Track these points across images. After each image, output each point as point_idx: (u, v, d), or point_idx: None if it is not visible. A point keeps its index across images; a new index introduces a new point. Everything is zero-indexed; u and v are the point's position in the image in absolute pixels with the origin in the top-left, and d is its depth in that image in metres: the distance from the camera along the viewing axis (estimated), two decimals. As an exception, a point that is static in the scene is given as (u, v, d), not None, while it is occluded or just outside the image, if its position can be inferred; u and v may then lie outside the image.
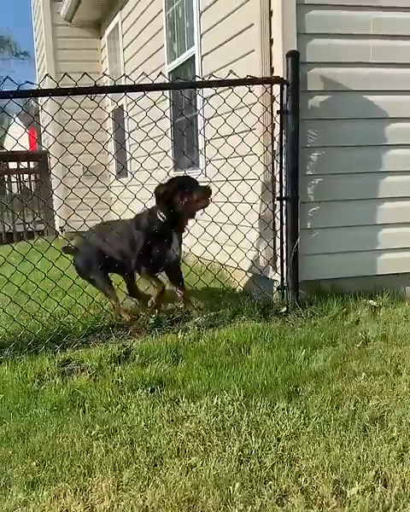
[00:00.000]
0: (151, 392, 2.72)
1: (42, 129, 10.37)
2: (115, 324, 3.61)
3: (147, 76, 3.52)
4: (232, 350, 3.17)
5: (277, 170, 3.85)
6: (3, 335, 3.52)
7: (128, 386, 2.78)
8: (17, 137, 3.52)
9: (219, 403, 2.54)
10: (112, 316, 3.72)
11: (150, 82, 3.56)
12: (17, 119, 10.13)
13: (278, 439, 2.22)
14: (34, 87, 3.47)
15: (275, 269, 3.96)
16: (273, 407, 2.49)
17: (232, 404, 2.52)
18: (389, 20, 3.87)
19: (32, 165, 9.75)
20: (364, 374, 2.79)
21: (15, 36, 48.43)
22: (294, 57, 3.64)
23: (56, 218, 7.55)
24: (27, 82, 3.21)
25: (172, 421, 2.42)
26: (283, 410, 2.45)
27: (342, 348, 3.15)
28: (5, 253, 3.65)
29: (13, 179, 9.77)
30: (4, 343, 3.42)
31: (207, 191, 3.64)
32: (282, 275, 3.88)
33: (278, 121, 3.77)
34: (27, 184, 9.94)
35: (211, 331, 3.46)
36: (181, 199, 3.61)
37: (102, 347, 3.29)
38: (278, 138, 3.80)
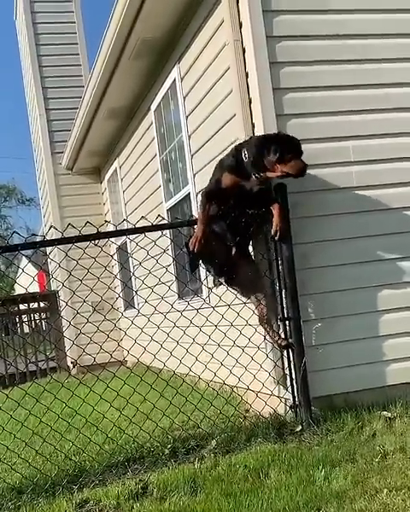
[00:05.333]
0: (172, 527, 2.67)
1: (50, 272, 10.80)
2: (131, 458, 3.59)
3: (145, 218, 3.80)
4: (251, 475, 3.13)
5: (277, 292, 4.01)
6: (20, 480, 3.49)
7: (148, 523, 2.73)
8: (26, 284, 3.74)
9: (242, 533, 2.50)
10: (127, 450, 3.69)
11: (149, 223, 3.84)
12: (28, 264, 10.60)
13: None
14: (39, 237, 3.75)
15: (286, 388, 3.99)
16: (297, 533, 2.44)
17: (255, 533, 2.47)
18: (366, 146, 4.20)
19: (42, 304, 10.02)
20: (386, 490, 2.74)
21: (20, 182, 51.15)
22: (282, 189, 3.90)
23: (68, 353, 7.67)
24: (33, 235, 3.50)
25: None
26: (307, 535, 2.40)
27: (362, 464, 3.11)
28: (18, 395, 3.72)
29: (24, 318, 10.01)
30: (22, 488, 3.38)
31: None
32: (293, 393, 3.90)
33: (273, 247, 3.98)
34: (38, 322, 10.17)
35: (228, 457, 3.43)
36: None
37: (118, 484, 3.25)
38: (274, 263, 3.99)
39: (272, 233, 3.81)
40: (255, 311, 3.96)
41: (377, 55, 4.26)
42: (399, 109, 4.27)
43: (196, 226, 3.91)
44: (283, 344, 3.88)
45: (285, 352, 3.96)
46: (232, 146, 4.01)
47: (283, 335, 3.93)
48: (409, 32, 4.32)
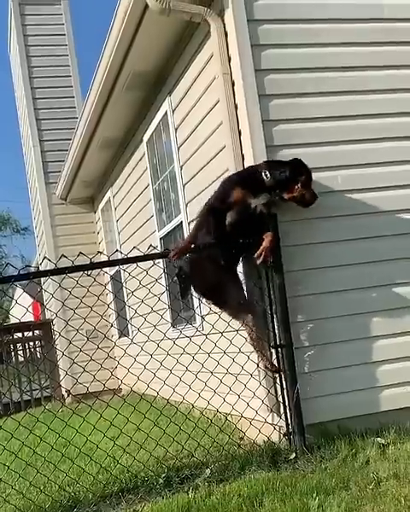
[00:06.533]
0: None
1: (45, 301, 10.81)
2: (125, 488, 3.57)
3: (137, 248, 3.86)
4: (245, 504, 3.12)
5: (268, 319, 4.05)
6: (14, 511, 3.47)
7: None
8: (21, 313, 3.77)
9: None
10: (121, 480, 3.68)
11: (141, 253, 3.90)
12: (21, 295, 10.66)
13: None
14: (33, 267, 3.80)
15: (279, 415, 3.99)
16: None
17: None
18: (354, 175, 4.28)
19: (37, 332, 10.02)
20: (379, 517, 2.76)
21: (15, 211, 51.18)
22: (273, 217, 3.97)
23: (63, 381, 7.66)
24: (27, 265, 3.54)
25: None
26: None
27: (356, 491, 3.11)
28: (12, 425, 3.72)
29: (19, 347, 9.99)
30: (15, 519, 3.37)
31: None
32: (287, 420, 3.91)
33: (265, 275, 4.03)
34: (32, 350, 10.15)
35: (222, 486, 3.42)
36: None
37: (112, 515, 3.24)
38: (266, 290, 4.04)
39: (256, 255, 3.85)
40: (247, 338, 3.99)
41: (365, 86, 4.36)
42: (387, 139, 4.36)
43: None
44: (273, 369, 3.91)
45: (278, 379, 3.98)
46: (230, 171, 4.11)
47: (275, 361, 3.96)
48: (397, 64, 4.44)
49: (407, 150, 4.39)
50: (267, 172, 3.87)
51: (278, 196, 3.91)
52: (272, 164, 3.97)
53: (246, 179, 3.96)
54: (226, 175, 4.22)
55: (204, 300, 4.22)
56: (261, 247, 3.85)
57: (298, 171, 3.91)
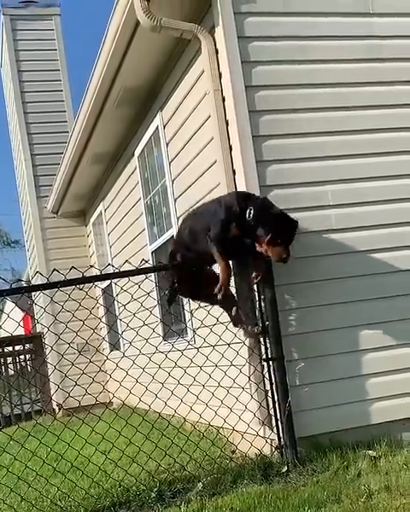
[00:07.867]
0: None
1: (36, 314, 10.78)
2: (117, 502, 3.57)
3: (129, 262, 3.88)
4: (237, 518, 3.13)
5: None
6: (5, 527, 3.46)
7: None
8: (12, 327, 3.78)
9: None
10: (113, 494, 3.68)
11: (133, 267, 3.90)
12: (13, 309, 10.60)
13: None
14: (25, 281, 3.82)
15: (271, 428, 4.01)
16: None
17: None
18: (344, 190, 4.34)
19: (28, 345, 9.99)
20: (371, 530, 2.77)
21: (4, 223, 50.78)
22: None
23: (54, 395, 7.63)
24: (19, 280, 3.56)
25: None
26: None
27: (347, 504, 3.12)
28: (4, 439, 3.71)
29: (9, 360, 9.96)
30: (7, 535, 3.36)
31: None
32: (278, 434, 3.92)
33: (256, 288, 4.05)
34: (23, 364, 10.12)
35: (214, 499, 3.42)
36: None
37: (105, 529, 3.24)
38: (257, 303, 4.06)
39: (253, 276, 3.93)
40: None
41: (355, 102, 4.43)
42: (377, 154, 4.42)
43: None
44: (257, 331, 3.96)
45: (270, 392, 3.99)
46: (231, 193, 4.06)
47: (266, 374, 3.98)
48: (387, 80, 4.50)
49: (397, 165, 4.46)
50: (252, 214, 3.70)
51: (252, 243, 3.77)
52: (258, 206, 3.76)
53: (238, 217, 3.77)
54: (218, 190, 4.27)
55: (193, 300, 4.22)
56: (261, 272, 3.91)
57: (267, 227, 3.67)
